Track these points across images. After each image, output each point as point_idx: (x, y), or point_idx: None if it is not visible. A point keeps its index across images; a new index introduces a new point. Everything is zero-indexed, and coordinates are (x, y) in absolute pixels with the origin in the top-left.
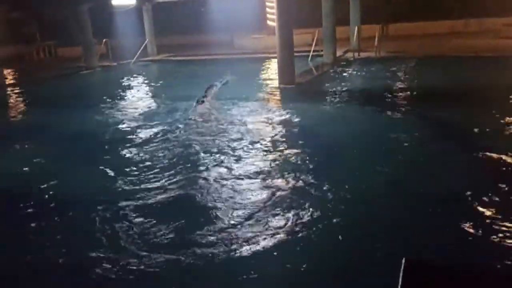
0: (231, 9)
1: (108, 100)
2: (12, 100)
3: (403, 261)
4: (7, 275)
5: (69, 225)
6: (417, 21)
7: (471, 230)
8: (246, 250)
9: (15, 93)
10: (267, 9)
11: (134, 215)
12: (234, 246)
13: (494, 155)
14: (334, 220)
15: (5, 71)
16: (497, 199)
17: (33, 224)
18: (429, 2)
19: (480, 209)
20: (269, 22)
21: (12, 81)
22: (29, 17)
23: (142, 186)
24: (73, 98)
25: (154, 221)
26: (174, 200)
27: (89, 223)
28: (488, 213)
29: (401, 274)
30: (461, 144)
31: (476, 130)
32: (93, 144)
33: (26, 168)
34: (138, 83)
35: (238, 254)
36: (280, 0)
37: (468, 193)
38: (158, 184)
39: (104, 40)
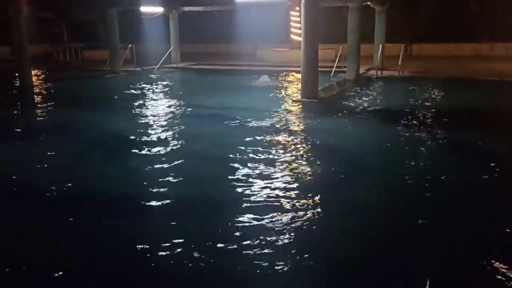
0: (256, 22)
1: (130, 101)
2: (37, 99)
3: (427, 283)
4: None
5: None
6: (442, 42)
7: None
8: None
9: (41, 92)
10: (292, 23)
11: None
12: None
13: None
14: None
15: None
16: None
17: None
18: (454, 24)
19: None
20: (293, 36)
21: (38, 81)
22: (57, 18)
23: None
24: (96, 99)
25: None
26: None
27: None
28: None
29: None
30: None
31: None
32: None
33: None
34: (160, 88)
35: None
36: (306, 15)
37: None
38: None
39: (129, 45)
